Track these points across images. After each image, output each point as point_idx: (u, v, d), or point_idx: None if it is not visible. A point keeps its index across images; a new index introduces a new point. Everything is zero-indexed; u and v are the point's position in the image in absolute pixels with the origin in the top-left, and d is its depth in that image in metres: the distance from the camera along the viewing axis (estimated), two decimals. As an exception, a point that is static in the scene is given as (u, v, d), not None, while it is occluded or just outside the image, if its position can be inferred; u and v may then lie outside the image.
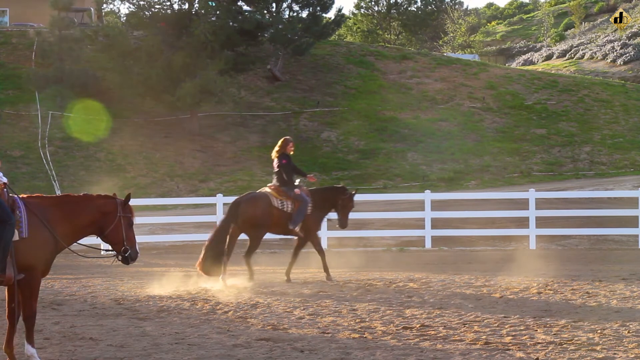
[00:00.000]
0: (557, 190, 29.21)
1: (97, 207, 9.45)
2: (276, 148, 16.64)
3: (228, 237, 16.02)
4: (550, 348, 9.71)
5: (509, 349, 9.71)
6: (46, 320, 11.83)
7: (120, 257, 9.53)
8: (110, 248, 9.65)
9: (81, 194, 9.70)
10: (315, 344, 10.19)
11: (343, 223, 16.65)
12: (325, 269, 16.32)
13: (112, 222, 9.42)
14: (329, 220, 17.45)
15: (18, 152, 34.71)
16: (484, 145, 38.39)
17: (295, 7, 43.08)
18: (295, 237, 16.80)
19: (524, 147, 38.43)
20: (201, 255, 15.89)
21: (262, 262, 19.87)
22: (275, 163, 16.54)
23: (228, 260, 15.99)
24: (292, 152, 16.61)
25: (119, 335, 10.85)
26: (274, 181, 16.52)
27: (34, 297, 9.09)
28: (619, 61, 55.40)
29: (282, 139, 16.79)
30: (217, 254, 15.80)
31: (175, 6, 38.90)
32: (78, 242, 9.59)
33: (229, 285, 15.40)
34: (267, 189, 16.45)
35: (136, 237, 9.65)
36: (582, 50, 60.12)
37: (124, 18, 41.12)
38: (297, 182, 16.58)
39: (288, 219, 16.19)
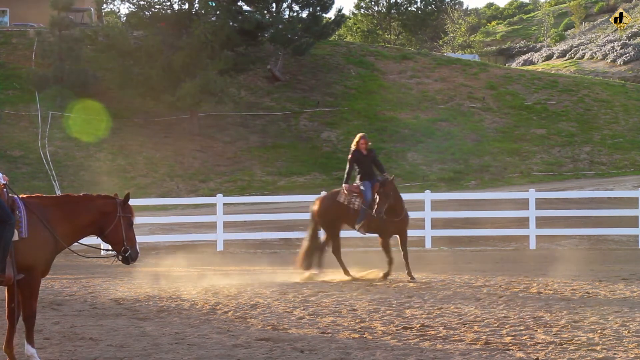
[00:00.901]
0: (557, 190, 29.21)
1: (97, 207, 9.44)
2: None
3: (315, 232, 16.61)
4: (550, 348, 9.71)
5: (509, 349, 9.71)
6: (46, 320, 11.82)
7: (120, 257, 9.52)
8: (110, 248, 9.64)
9: (81, 194, 9.70)
10: (315, 344, 10.18)
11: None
12: (408, 271, 16.17)
13: (112, 222, 9.40)
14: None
15: (18, 152, 34.72)
16: (484, 145, 38.39)
17: (295, 7, 43.10)
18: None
19: (524, 147, 38.44)
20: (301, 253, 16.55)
21: (263, 262, 19.89)
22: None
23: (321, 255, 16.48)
24: (362, 147, 16.36)
25: (119, 335, 10.85)
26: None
27: (33, 297, 9.08)
28: (619, 61, 55.38)
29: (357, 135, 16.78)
30: (312, 249, 16.44)
31: (175, 6, 38.93)
32: (78, 242, 9.59)
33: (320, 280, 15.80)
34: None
35: (136, 237, 9.64)
36: (582, 50, 60.10)
37: (124, 18, 41.13)
38: (379, 178, 16.40)
39: (355, 216, 16.28)
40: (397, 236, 16.47)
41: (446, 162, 36.61)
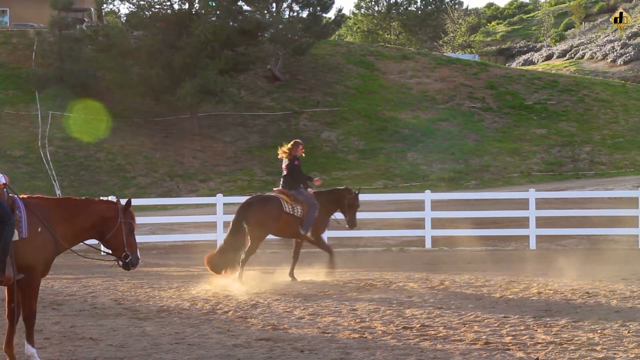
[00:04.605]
0: (557, 190, 29.21)
1: (98, 211, 9.41)
2: (284, 149, 16.37)
3: (241, 237, 15.89)
4: (550, 348, 9.71)
5: (509, 349, 9.71)
6: (46, 320, 11.83)
7: (120, 263, 9.49)
8: (109, 251, 9.63)
9: (83, 198, 9.70)
10: (315, 344, 10.19)
11: (352, 223, 16.75)
12: (332, 265, 16.34)
13: (113, 228, 9.37)
14: (335, 220, 17.32)
15: (18, 152, 34.72)
16: (484, 145, 38.39)
17: (295, 7, 43.17)
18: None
19: (524, 147, 38.44)
20: (214, 252, 16.03)
21: (263, 262, 19.87)
22: (285, 165, 16.33)
23: (246, 260, 15.93)
24: (303, 155, 16.42)
25: (119, 335, 10.85)
26: (282, 184, 16.33)
27: (33, 297, 9.08)
28: (619, 61, 55.41)
29: (292, 141, 16.54)
30: (228, 252, 15.79)
31: (175, 6, 38.95)
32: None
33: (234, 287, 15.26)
34: (276, 193, 16.28)
35: (136, 237, 9.62)
36: (582, 50, 60.15)
37: (124, 18, 41.14)
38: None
39: (298, 224, 16.16)
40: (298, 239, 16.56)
41: (446, 162, 36.61)
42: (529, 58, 64.89)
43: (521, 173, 36.25)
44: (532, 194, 22.87)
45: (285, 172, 16.35)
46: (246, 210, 15.94)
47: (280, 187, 16.36)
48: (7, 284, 8.96)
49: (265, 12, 42.46)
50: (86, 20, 47.04)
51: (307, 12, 43.23)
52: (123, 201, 9.68)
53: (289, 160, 16.29)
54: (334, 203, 16.66)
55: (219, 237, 22.64)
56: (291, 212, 16.06)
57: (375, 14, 79.81)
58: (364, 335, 10.67)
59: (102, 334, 10.88)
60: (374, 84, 43.46)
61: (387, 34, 78.17)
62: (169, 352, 9.80)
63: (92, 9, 48.91)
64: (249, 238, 15.98)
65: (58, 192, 31.43)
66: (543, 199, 24.87)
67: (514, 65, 61.03)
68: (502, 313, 12.09)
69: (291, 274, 16.24)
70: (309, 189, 16.35)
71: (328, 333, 10.86)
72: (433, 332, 10.77)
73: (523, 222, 23.12)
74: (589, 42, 63.07)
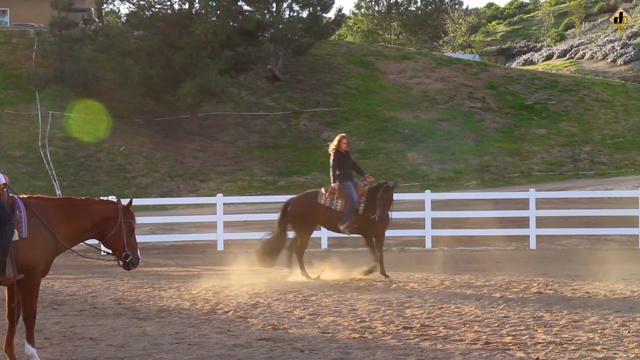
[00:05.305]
0: (557, 190, 29.21)
1: (98, 211, 9.41)
2: (332, 145, 16.60)
3: (284, 233, 16.55)
4: (550, 348, 9.71)
5: (509, 349, 9.71)
6: (46, 320, 11.83)
7: (121, 263, 9.49)
8: (109, 251, 9.63)
9: (83, 198, 9.70)
10: (315, 343, 10.19)
11: (381, 217, 16.12)
12: (382, 271, 16.15)
13: (113, 228, 9.37)
14: None
15: (18, 152, 34.72)
16: (484, 145, 38.39)
17: (296, 7, 43.12)
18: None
19: (524, 147, 38.43)
20: (258, 249, 16.54)
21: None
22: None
23: (291, 255, 16.50)
24: (345, 148, 16.46)
25: (119, 335, 10.85)
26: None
27: (33, 297, 9.08)
28: (619, 61, 55.40)
29: (337, 136, 16.82)
30: (273, 247, 16.41)
31: (176, 6, 38.94)
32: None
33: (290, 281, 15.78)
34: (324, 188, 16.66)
35: (137, 237, 9.61)
36: (582, 50, 60.13)
37: (124, 18, 41.14)
38: (359, 180, 16.69)
39: (338, 217, 16.22)
40: (374, 237, 16.47)
41: (446, 162, 36.61)
42: (529, 58, 64.88)
43: (521, 173, 36.24)
44: (532, 194, 22.87)
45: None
46: (286, 206, 16.61)
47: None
48: (7, 283, 8.96)
49: (266, 12, 42.42)
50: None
51: (307, 12, 43.21)
52: (124, 201, 9.69)
53: (332, 154, 16.57)
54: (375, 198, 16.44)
55: (219, 237, 22.68)
56: (327, 205, 16.17)
57: (375, 14, 79.79)
58: (364, 335, 10.67)
59: (102, 334, 10.89)
60: (374, 84, 43.45)
61: (387, 34, 78.17)
62: (169, 352, 9.80)
63: (92, 9, 48.90)
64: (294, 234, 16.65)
65: (58, 192, 31.43)
66: (543, 199, 24.87)
67: (514, 65, 61.01)
68: (502, 313, 12.10)
69: (383, 272, 16.08)
70: (361, 185, 16.37)
71: (328, 333, 10.86)
72: (433, 332, 10.77)
73: (523, 222, 23.13)
74: (589, 42, 63.06)
